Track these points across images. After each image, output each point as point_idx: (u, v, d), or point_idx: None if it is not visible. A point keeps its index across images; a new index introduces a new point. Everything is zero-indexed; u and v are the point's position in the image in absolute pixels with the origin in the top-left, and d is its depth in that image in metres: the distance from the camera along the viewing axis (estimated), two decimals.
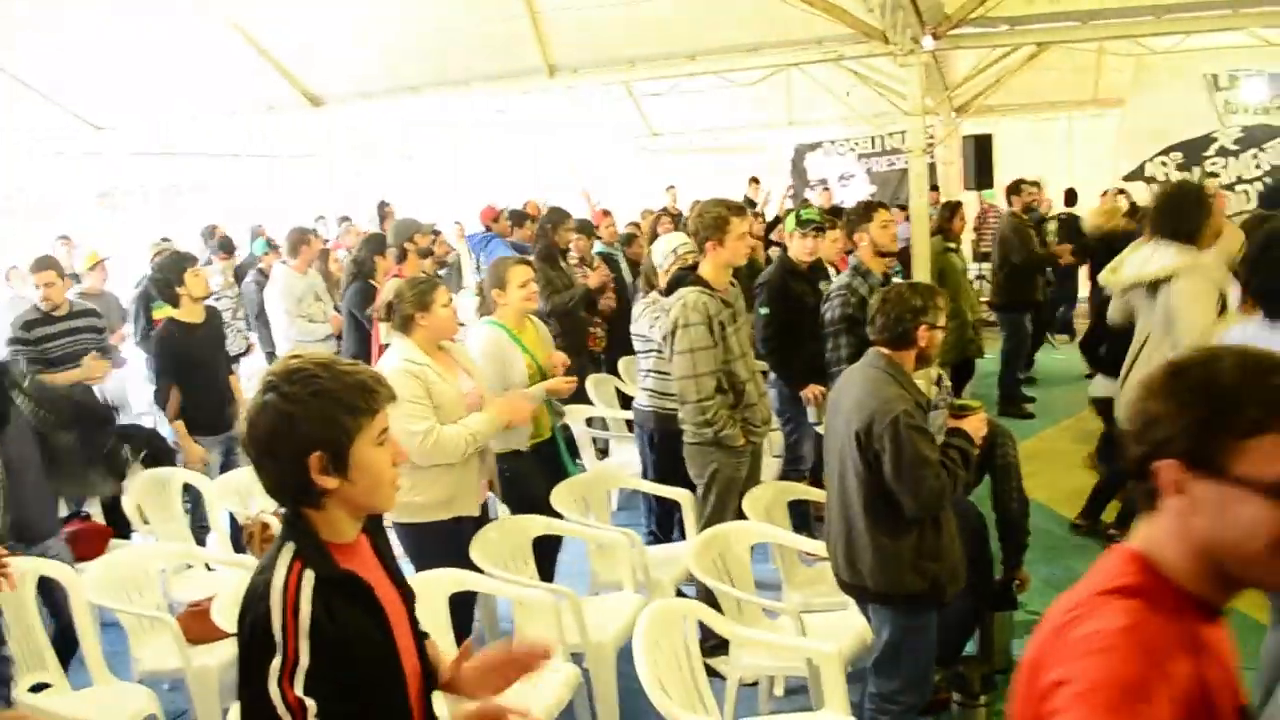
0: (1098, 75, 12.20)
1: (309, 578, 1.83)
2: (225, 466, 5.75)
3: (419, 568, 4.02)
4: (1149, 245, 4.63)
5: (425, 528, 4.08)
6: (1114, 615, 1.33)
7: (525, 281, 4.69)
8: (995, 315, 9.27)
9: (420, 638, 2.16)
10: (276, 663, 1.76)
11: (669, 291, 4.82)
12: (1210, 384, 1.33)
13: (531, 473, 4.68)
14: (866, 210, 5.52)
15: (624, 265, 8.51)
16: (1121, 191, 11.01)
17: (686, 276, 4.73)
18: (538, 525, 4.45)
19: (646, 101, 12.91)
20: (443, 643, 3.69)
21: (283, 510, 1.99)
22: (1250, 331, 3.44)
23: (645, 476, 5.48)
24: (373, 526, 2.10)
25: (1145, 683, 1.27)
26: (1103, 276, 4.95)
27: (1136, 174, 12.13)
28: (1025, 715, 1.43)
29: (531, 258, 6.58)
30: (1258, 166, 11.31)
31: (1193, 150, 11.95)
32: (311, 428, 1.86)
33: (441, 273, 9.46)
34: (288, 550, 1.88)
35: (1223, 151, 11.78)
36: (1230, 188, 10.22)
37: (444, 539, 4.06)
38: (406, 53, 8.52)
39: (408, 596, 2.13)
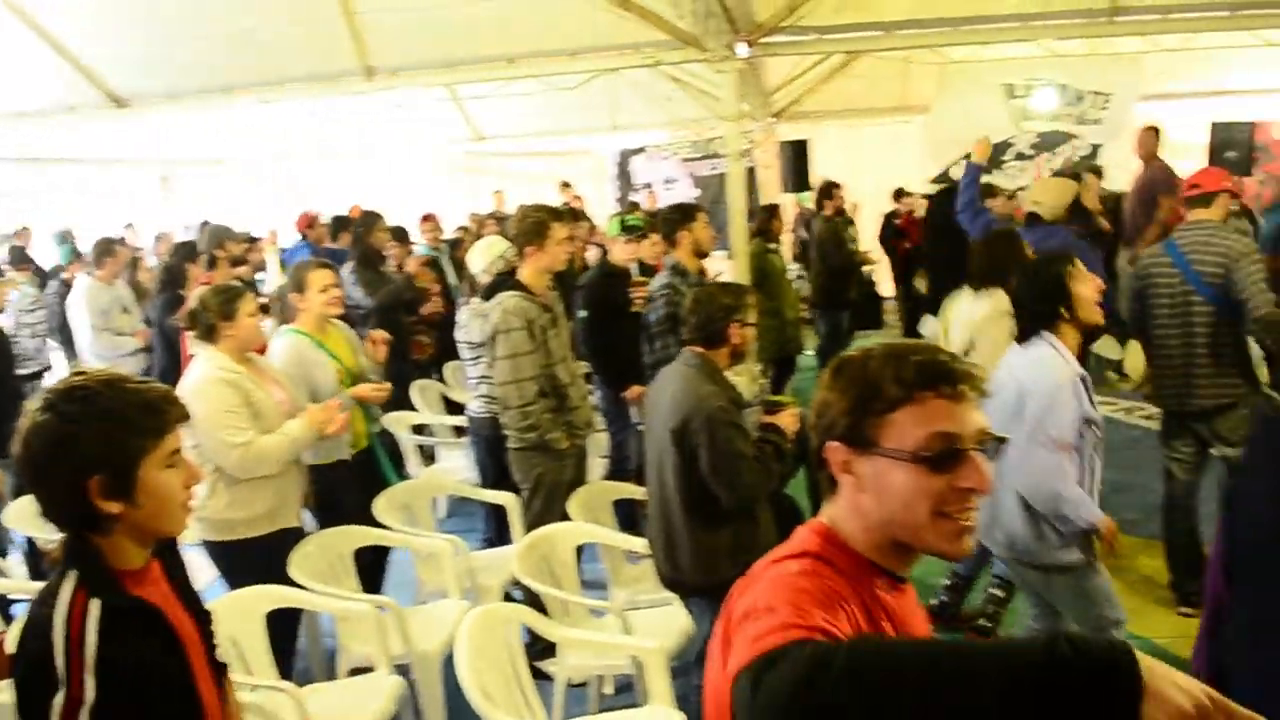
0: (905, 83, 12.73)
1: (94, 607, 1.74)
2: (20, 490, 5.40)
3: (236, 586, 3.87)
4: (969, 301, 4.89)
5: (247, 544, 3.92)
6: (788, 568, 1.44)
7: (326, 285, 4.54)
8: (814, 313, 9.60)
9: (219, 668, 2.09)
10: (59, 700, 1.66)
11: (488, 296, 4.81)
12: (862, 371, 1.47)
13: (348, 483, 4.57)
14: (688, 211, 5.64)
15: (449, 269, 8.43)
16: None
17: (505, 281, 4.72)
18: (358, 536, 4.35)
19: (470, 105, 12.80)
20: (260, 662, 3.60)
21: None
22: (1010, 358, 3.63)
23: (483, 482, 5.45)
24: (165, 549, 2.00)
25: (823, 600, 1.35)
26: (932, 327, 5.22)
27: (943, 178, 12.73)
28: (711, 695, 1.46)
29: (348, 262, 6.47)
30: (1051, 170, 12.08)
31: (992, 155, 12.62)
32: (91, 449, 1.77)
33: (261, 278, 9.16)
34: (70, 579, 1.78)
35: (1019, 156, 12.53)
36: (1025, 189, 10.85)
37: (267, 554, 3.90)
38: (216, 53, 8.18)
39: (205, 622, 2.06)
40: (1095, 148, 12.31)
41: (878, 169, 12.88)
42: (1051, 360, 3.42)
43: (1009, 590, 4.63)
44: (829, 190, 9.38)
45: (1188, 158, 9.71)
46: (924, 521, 1.43)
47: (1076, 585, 3.49)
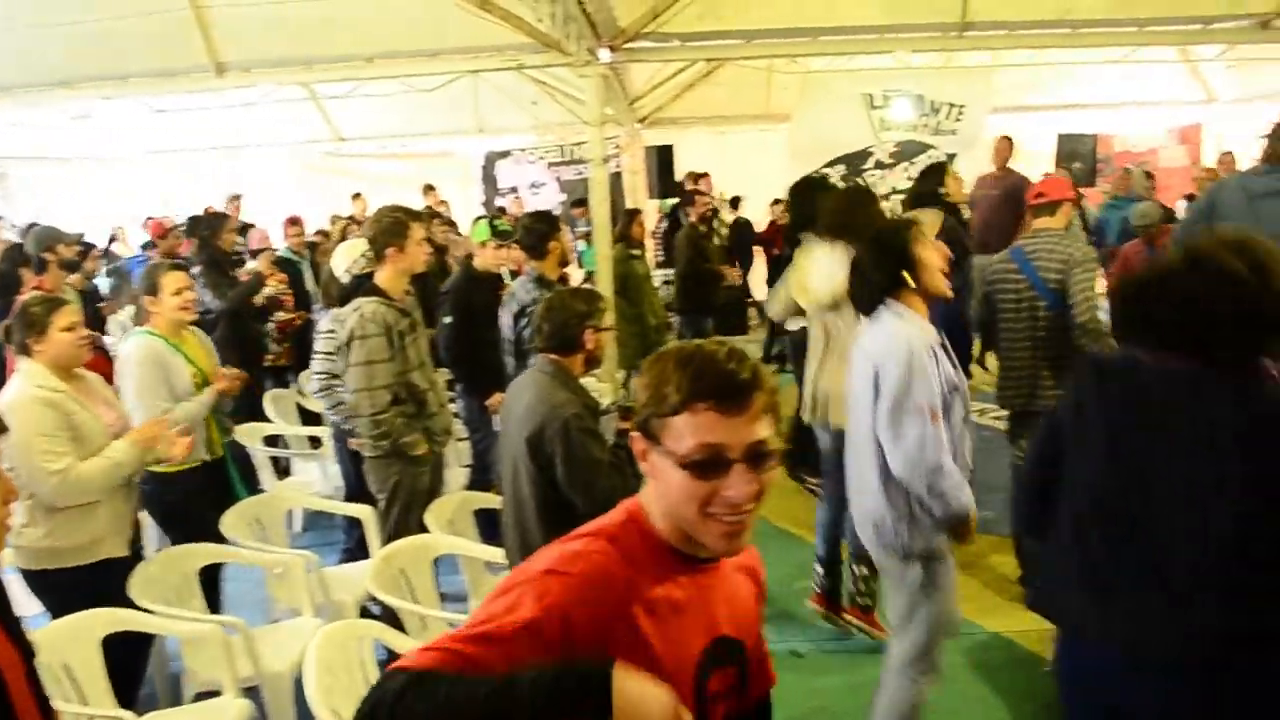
0: (768, 92, 12.95)
1: None
2: None
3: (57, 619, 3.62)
4: (826, 254, 4.73)
5: (66, 575, 3.66)
6: (570, 547, 1.54)
7: (180, 288, 4.33)
8: (678, 319, 9.66)
9: (45, 700, 1.94)
10: None
11: (345, 301, 4.67)
12: (658, 371, 1.52)
13: (198, 498, 4.37)
14: (554, 221, 5.58)
15: (308, 274, 8.18)
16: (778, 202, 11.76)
17: (362, 285, 4.59)
18: (204, 554, 4.16)
19: (330, 104, 12.50)
20: (97, 689, 3.40)
21: None
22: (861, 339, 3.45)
23: (348, 491, 5.29)
24: None
25: (574, 590, 1.45)
26: (797, 296, 5.08)
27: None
28: None
29: (195, 265, 6.21)
30: (909, 179, 12.45)
31: (853, 163, 12.96)
32: None
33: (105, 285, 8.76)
34: None
35: (879, 165, 12.88)
36: (885, 198, 11.16)
37: (89, 585, 3.64)
38: (54, 45, 7.78)
39: (27, 652, 1.92)
40: (951, 157, 12.72)
41: (743, 176, 13.06)
42: (901, 327, 3.21)
43: (871, 565, 4.60)
44: (691, 197, 9.44)
45: (1036, 167, 10.14)
46: (695, 519, 1.51)
47: (933, 576, 3.31)
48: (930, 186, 6.66)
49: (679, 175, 11.86)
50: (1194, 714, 2.16)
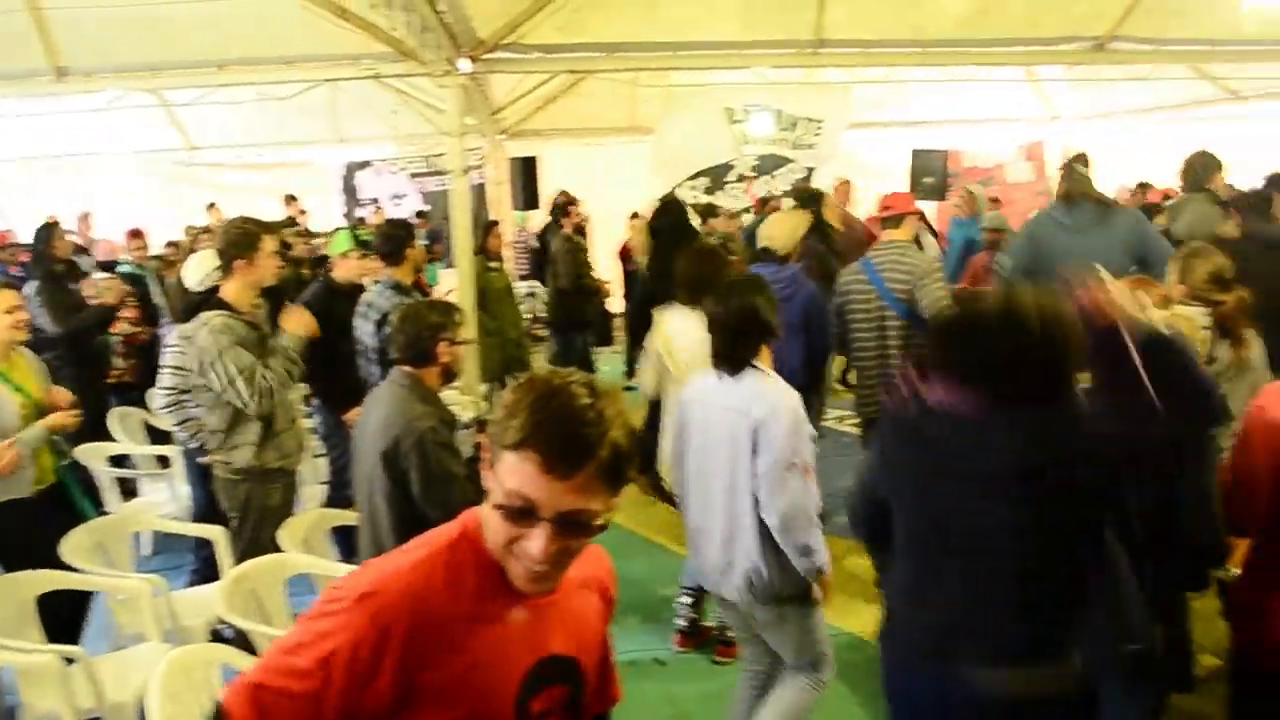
0: (633, 105, 13.06)
1: None
2: None
3: None
4: (686, 317, 4.60)
5: None
6: (395, 561, 1.56)
7: (11, 308, 4.12)
8: (549, 332, 9.63)
9: None
10: None
11: (189, 316, 4.51)
12: (516, 400, 1.48)
13: (33, 524, 4.15)
14: (410, 229, 5.53)
15: (154, 287, 7.86)
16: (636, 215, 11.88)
17: (208, 299, 4.45)
18: (41, 580, 3.95)
19: (181, 112, 12.06)
20: None
21: None
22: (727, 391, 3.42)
23: (196, 512, 5.13)
24: None
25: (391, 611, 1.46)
26: (669, 363, 4.96)
27: (669, 197, 13.16)
28: None
29: (31, 281, 5.92)
30: (770, 191, 12.74)
31: (716, 176, 13.21)
32: None
33: None
34: None
35: (741, 178, 13.15)
36: (737, 215, 11.36)
37: None
38: None
39: None
40: (809, 170, 13.07)
41: (609, 188, 13.13)
42: (776, 385, 3.29)
43: None
44: (565, 207, 9.43)
45: (890, 182, 10.45)
46: (501, 552, 1.51)
47: (805, 616, 3.40)
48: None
49: (543, 187, 11.83)
50: None
